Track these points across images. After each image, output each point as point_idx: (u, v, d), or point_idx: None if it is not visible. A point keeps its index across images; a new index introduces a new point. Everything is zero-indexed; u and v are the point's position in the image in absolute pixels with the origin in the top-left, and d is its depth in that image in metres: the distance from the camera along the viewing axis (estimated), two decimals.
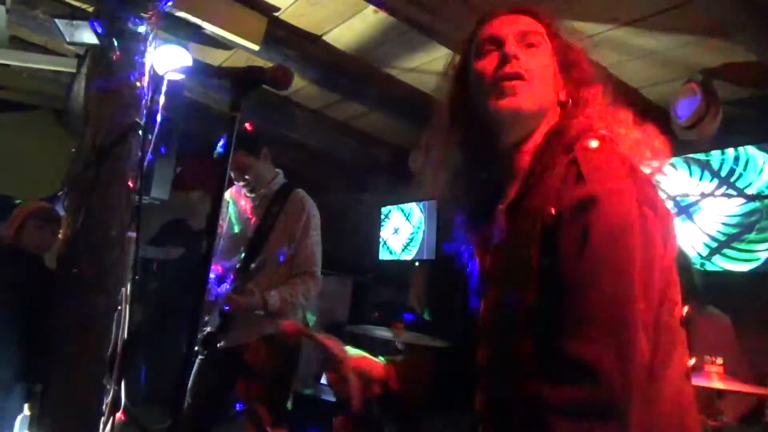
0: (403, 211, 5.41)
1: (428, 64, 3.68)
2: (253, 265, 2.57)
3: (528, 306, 0.89)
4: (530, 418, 0.84)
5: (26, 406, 2.58)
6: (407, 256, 5.25)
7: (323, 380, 4.19)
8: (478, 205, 1.11)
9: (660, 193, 0.94)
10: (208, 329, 2.60)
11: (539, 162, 0.98)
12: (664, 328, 0.88)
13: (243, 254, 2.65)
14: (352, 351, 1.16)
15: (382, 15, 3.13)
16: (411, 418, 1.47)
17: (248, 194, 2.76)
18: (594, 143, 0.94)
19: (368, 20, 3.25)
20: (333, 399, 3.72)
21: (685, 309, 0.95)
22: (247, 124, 2.65)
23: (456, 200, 1.15)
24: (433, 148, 1.15)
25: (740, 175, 3.30)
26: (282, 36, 3.41)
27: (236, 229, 2.76)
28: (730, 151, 3.35)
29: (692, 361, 0.97)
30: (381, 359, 1.18)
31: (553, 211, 0.89)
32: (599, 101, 1.03)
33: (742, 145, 3.30)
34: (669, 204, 0.95)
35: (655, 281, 0.86)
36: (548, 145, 0.99)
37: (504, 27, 1.05)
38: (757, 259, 3.19)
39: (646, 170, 0.96)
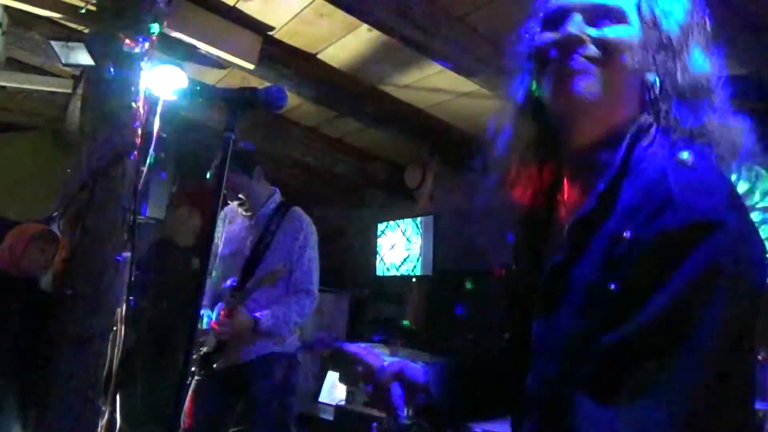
0: (399, 226, 5.41)
1: (422, 81, 3.71)
2: (248, 284, 2.56)
3: (590, 335, 0.75)
4: None
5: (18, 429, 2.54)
6: (404, 272, 5.24)
7: (321, 398, 4.15)
8: (535, 213, 0.95)
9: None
10: (204, 350, 2.58)
11: (618, 170, 0.79)
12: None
13: (239, 273, 2.64)
14: (387, 357, 1.08)
15: (376, 33, 3.16)
16: (455, 425, 1.38)
17: (244, 213, 2.75)
18: (690, 156, 0.74)
19: (362, 38, 3.28)
20: (331, 418, 3.69)
21: (761, 355, 0.83)
22: (241, 144, 2.66)
23: (513, 206, 0.97)
24: (500, 137, 0.96)
25: None
26: (277, 54, 3.44)
27: (232, 249, 2.75)
28: None
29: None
30: (419, 363, 1.08)
31: (627, 234, 0.72)
32: (708, 97, 0.81)
33: None
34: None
35: (752, 339, 0.72)
36: (631, 148, 0.80)
37: None
38: None
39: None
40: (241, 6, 3.12)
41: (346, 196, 5.86)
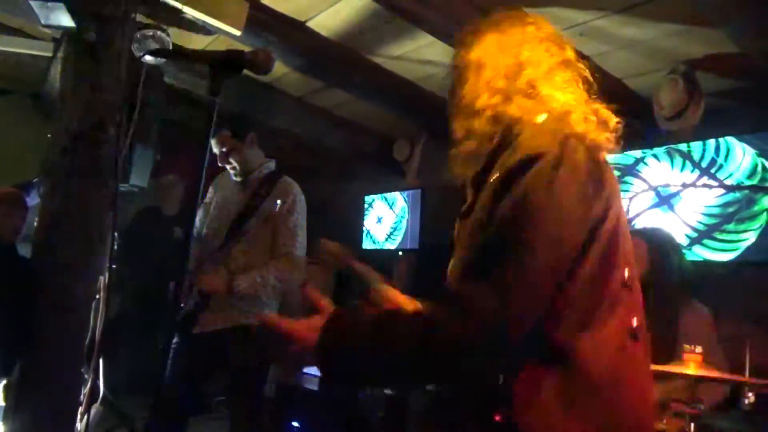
0: (386, 199, 5.39)
1: (414, 52, 3.65)
2: (234, 246, 2.55)
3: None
4: None
5: (1, 396, 2.53)
6: (391, 246, 5.24)
7: (306, 369, 4.18)
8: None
9: (601, 160, 1.01)
10: (183, 311, 2.55)
11: (500, 143, 1.10)
12: (593, 286, 0.96)
13: (224, 235, 2.62)
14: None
15: (367, 0, 3.09)
16: None
17: (235, 178, 2.73)
18: (540, 118, 1.07)
19: (354, 5, 3.21)
20: (315, 389, 3.72)
21: (626, 271, 1.00)
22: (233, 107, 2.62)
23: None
24: None
25: (721, 166, 3.33)
26: (264, 21, 3.35)
27: (221, 213, 2.72)
28: (712, 142, 3.38)
29: (635, 322, 1.00)
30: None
31: (497, 176, 1.01)
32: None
33: (724, 136, 3.32)
34: (614, 173, 1.05)
35: (565, 238, 0.93)
36: (508, 130, 1.10)
37: None
38: (737, 249, 3.22)
39: (599, 141, 1.03)
40: None
41: (334, 168, 5.82)
